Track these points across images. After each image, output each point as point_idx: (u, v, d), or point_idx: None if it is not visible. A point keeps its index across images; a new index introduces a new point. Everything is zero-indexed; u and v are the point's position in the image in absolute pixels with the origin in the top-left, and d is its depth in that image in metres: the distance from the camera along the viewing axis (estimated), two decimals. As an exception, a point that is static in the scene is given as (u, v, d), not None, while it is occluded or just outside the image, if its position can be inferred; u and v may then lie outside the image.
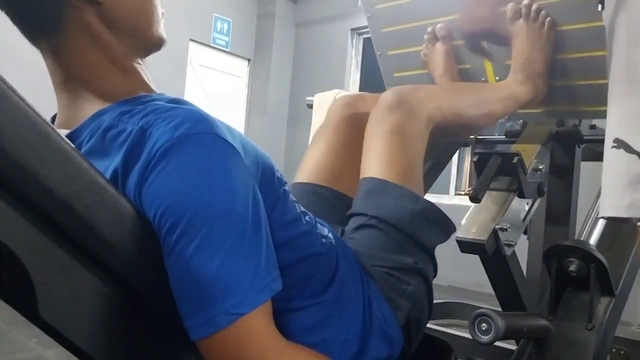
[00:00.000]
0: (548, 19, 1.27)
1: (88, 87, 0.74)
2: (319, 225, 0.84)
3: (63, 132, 0.70)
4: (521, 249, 1.64)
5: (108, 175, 0.66)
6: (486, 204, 1.55)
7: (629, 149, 0.68)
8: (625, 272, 1.21)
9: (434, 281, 0.96)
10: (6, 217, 0.57)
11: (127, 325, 0.64)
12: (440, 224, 0.99)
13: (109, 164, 0.67)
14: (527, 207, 1.57)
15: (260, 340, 0.61)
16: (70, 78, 0.74)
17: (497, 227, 1.45)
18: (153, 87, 0.79)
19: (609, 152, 0.72)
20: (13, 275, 0.59)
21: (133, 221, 0.63)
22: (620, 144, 0.70)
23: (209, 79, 6.20)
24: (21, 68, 1.92)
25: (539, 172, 1.46)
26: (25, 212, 0.58)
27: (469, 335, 1.61)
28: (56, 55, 0.74)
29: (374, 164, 1.02)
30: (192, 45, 5.96)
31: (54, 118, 0.78)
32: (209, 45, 6.12)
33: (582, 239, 1.30)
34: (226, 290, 0.60)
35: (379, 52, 1.77)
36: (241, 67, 6.54)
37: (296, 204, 0.80)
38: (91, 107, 0.73)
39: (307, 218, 0.81)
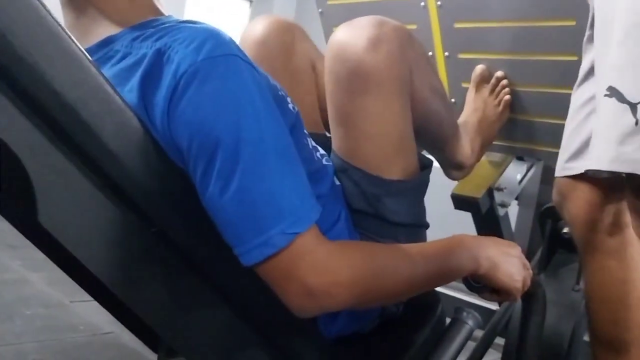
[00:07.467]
0: (507, 97, 1.25)
1: (96, 5, 0.69)
2: (328, 165, 0.82)
3: None
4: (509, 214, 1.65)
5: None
6: (484, 163, 1.55)
7: (621, 98, 0.64)
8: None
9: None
10: (10, 116, 0.55)
11: (124, 238, 0.63)
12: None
13: (126, 90, 0.63)
14: (524, 171, 1.57)
15: (312, 254, 0.61)
16: None
17: (493, 186, 1.45)
18: (163, 11, 0.75)
19: (602, 100, 0.68)
20: (13, 178, 0.58)
21: (139, 134, 0.62)
22: (613, 92, 0.65)
23: (208, 20, 6.04)
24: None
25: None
26: (29, 113, 0.56)
27: (453, 293, 1.63)
28: None
29: (356, 147, 0.83)
30: (192, -18, 5.79)
31: None
32: (210, -16, 5.95)
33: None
34: (280, 212, 0.60)
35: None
36: (242, 9, 6.39)
37: (308, 138, 0.79)
38: (99, 30, 0.69)
39: (318, 154, 0.79)
